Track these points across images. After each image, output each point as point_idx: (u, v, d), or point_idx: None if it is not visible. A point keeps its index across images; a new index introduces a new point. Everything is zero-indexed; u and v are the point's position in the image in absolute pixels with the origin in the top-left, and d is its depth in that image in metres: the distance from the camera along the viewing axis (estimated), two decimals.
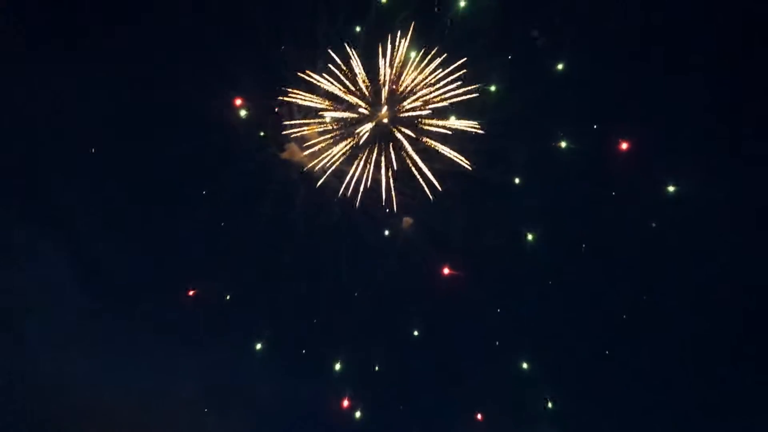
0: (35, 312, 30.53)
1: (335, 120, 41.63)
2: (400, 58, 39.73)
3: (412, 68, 39.88)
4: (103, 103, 31.85)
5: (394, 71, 40.06)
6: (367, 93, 40.75)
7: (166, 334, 32.52)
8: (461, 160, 39.79)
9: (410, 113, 40.28)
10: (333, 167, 41.30)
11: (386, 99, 40.60)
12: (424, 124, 40.09)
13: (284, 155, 41.59)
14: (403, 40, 39.40)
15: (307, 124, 41.61)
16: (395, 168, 40.82)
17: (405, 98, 40.31)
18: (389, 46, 39.68)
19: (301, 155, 41.40)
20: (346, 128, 41.62)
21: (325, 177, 41.36)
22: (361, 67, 40.31)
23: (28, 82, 30.43)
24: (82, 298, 31.51)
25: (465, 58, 38.86)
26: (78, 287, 31.72)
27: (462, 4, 39.11)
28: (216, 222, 36.61)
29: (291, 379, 35.49)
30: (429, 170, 40.28)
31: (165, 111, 33.78)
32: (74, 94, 31.09)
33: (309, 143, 40.90)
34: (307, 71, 40.19)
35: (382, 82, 40.27)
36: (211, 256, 35.40)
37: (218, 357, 34.16)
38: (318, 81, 40.97)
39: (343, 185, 41.08)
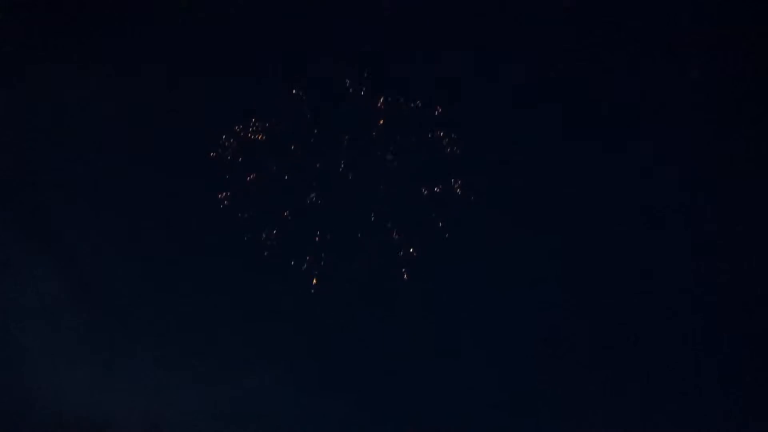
0: (31, 328, 29.16)
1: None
2: None
3: None
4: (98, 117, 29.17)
5: None
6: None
7: (164, 349, 29.91)
8: None
9: None
10: None
11: None
12: None
13: None
14: None
15: None
16: None
17: None
18: None
19: None
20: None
21: None
22: None
23: (26, 96, 29.08)
24: (79, 314, 29.92)
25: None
26: (74, 303, 30.03)
27: None
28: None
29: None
30: None
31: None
32: (75, 108, 29.21)
33: None
34: None
35: None
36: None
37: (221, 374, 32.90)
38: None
39: None
